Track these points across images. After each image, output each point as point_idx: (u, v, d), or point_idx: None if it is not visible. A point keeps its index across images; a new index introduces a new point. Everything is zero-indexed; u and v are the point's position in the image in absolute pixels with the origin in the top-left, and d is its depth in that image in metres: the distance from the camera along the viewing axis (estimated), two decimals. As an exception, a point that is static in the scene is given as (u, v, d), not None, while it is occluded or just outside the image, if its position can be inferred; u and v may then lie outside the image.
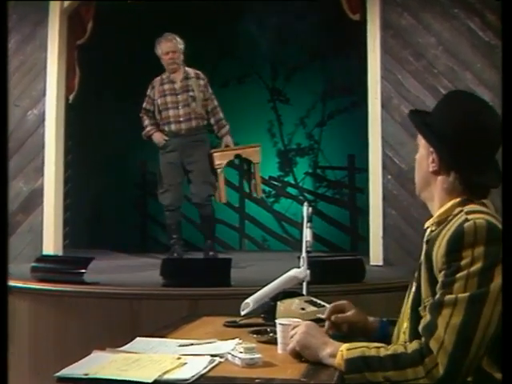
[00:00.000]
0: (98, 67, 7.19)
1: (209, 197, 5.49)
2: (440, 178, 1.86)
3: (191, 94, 5.52)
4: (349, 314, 2.05)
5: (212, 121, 5.61)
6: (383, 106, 5.37)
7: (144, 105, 5.65)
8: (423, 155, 1.90)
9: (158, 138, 5.56)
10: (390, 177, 5.30)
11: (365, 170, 5.83)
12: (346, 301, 2.12)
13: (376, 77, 5.41)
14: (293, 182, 9.32)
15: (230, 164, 5.80)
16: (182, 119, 5.50)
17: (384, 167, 5.33)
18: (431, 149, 1.86)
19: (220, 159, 5.48)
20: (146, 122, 5.64)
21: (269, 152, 9.25)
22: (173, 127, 5.51)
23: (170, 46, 5.55)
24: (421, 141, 1.91)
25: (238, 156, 5.61)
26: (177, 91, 5.54)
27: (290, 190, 9.07)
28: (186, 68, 5.65)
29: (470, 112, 1.83)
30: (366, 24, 5.46)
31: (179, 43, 5.60)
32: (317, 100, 9.14)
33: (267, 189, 9.14)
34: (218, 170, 5.45)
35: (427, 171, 1.88)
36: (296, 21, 8.13)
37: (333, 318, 2.02)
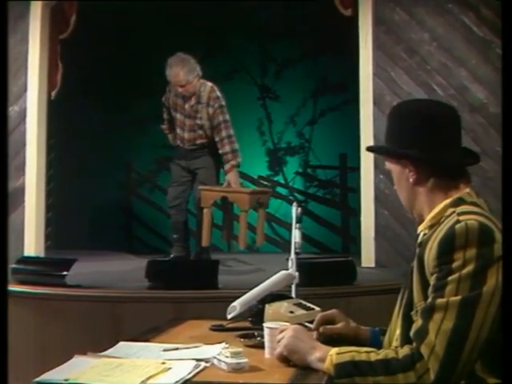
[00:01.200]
0: (82, 63, 7.16)
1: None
2: (422, 183, 1.88)
3: (198, 122, 5.32)
4: (338, 325, 2.04)
5: (220, 151, 5.30)
6: (375, 103, 5.37)
7: (163, 98, 5.56)
8: (399, 174, 1.92)
9: (171, 139, 5.62)
10: (382, 176, 5.30)
11: (356, 169, 5.83)
12: (336, 310, 2.11)
13: (368, 74, 5.41)
14: (283, 181, 9.32)
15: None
16: (185, 141, 5.45)
17: (376, 166, 5.32)
18: (403, 160, 1.88)
19: (206, 198, 5.19)
20: (164, 115, 5.60)
21: (258, 151, 9.26)
22: (178, 142, 5.52)
23: (177, 82, 5.20)
24: (390, 165, 1.96)
25: (224, 198, 5.25)
26: (185, 113, 5.37)
27: (279, 189, 9.06)
28: (203, 88, 5.30)
29: (417, 112, 1.88)
30: (358, 19, 5.46)
31: (189, 72, 5.18)
32: (307, 97, 9.13)
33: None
34: (204, 210, 5.20)
35: (409, 186, 1.90)
36: (286, 16, 8.12)
37: (321, 329, 2.01)
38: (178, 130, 5.47)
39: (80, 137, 7.55)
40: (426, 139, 1.83)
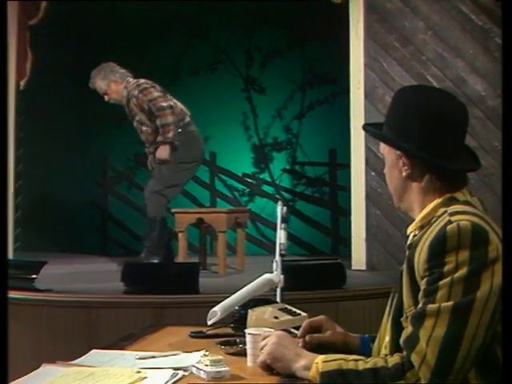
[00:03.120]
0: (52, 51, 7.12)
1: None
2: (416, 179, 1.87)
3: (137, 118, 5.46)
4: (326, 334, 2.04)
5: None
6: (366, 96, 5.39)
7: None
8: (392, 163, 1.92)
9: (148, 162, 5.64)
10: (373, 173, 5.32)
11: (347, 165, 5.85)
12: (324, 316, 2.11)
13: (359, 64, 5.43)
14: (269, 179, 9.32)
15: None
16: (146, 144, 5.56)
17: (367, 163, 5.35)
18: (398, 152, 1.88)
19: (180, 222, 5.23)
20: None
21: (242, 147, 9.25)
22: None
23: (98, 91, 5.50)
24: (384, 149, 1.94)
25: (200, 219, 5.26)
26: (128, 117, 5.55)
27: (265, 188, 9.07)
28: (127, 85, 5.45)
29: (426, 102, 1.86)
30: (349, 7, 5.48)
31: (103, 80, 5.45)
32: (295, 89, 9.13)
33: (241, 187, 9.14)
34: (180, 234, 5.24)
35: (400, 178, 1.89)
36: (272, 2, 8.12)
37: (307, 338, 2.01)
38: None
39: (52, 130, 7.52)
40: (427, 136, 1.82)
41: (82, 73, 7.91)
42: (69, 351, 2.19)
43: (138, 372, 1.82)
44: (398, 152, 1.88)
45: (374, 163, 5.30)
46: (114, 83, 5.46)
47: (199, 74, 9.08)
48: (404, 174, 1.88)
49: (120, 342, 2.32)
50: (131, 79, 5.49)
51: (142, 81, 5.43)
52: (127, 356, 2.05)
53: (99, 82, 5.47)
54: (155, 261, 5.24)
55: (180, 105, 5.50)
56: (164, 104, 5.30)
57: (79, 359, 2.03)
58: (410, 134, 1.84)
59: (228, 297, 2.31)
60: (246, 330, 2.01)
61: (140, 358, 2.01)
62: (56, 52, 7.32)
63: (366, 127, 2.08)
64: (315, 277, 4.17)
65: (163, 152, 5.31)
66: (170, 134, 5.29)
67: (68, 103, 7.77)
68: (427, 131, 1.83)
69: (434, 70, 5.29)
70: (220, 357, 1.87)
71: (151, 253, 5.34)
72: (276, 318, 2.25)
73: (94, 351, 2.12)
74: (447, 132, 1.84)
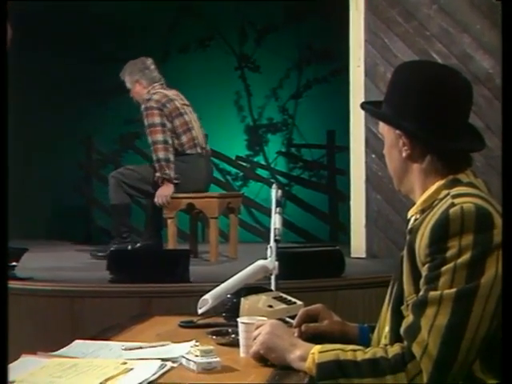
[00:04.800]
0: (35, 24, 7.09)
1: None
2: (416, 160, 1.87)
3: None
4: (323, 324, 2.05)
5: None
6: (367, 74, 5.37)
7: None
8: (391, 143, 1.92)
9: None
10: (373, 156, 5.32)
11: (346, 148, 5.85)
12: (321, 304, 2.12)
13: (359, 40, 5.41)
14: (263, 162, 9.33)
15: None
16: None
17: (367, 145, 5.34)
18: (398, 131, 1.88)
19: (169, 207, 5.20)
20: None
21: (236, 128, 9.26)
22: None
23: (126, 82, 5.44)
24: (384, 129, 1.95)
25: (191, 205, 5.23)
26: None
27: (260, 171, 9.08)
28: (150, 90, 5.35)
29: (427, 78, 1.86)
30: (348, -22, 5.46)
31: (128, 76, 5.39)
32: (291, 67, 9.13)
33: (234, 171, 9.14)
34: (169, 221, 5.23)
35: (400, 159, 1.90)
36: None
37: (303, 327, 2.02)
38: None
39: (33, 109, 7.49)
40: (429, 114, 1.82)
41: (67, 49, 7.93)
42: (51, 343, 2.18)
43: (124, 363, 1.82)
44: (397, 131, 1.88)
45: (374, 145, 5.29)
46: (138, 84, 5.38)
47: (190, 50, 9.06)
48: (404, 154, 1.88)
49: (105, 332, 2.33)
50: (157, 86, 5.36)
51: (155, 97, 5.25)
52: (113, 347, 2.06)
53: (127, 77, 5.41)
54: (138, 244, 5.26)
55: (194, 133, 5.33)
56: (158, 137, 5.16)
57: (61, 350, 2.03)
58: (410, 112, 1.84)
59: (219, 285, 2.31)
60: (239, 319, 2.01)
61: (126, 349, 2.01)
62: (38, 25, 7.29)
63: (365, 105, 2.09)
64: (312, 264, 4.17)
65: (163, 191, 5.16)
66: (167, 171, 5.13)
67: (50, 79, 7.74)
68: (428, 109, 1.83)
69: (439, 46, 5.28)
70: (211, 347, 1.87)
71: (125, 240, 5.31)
72: (270, 306, 2.26)
73: (76, 342, 2.13)
74: (450, 110, 1.84)
